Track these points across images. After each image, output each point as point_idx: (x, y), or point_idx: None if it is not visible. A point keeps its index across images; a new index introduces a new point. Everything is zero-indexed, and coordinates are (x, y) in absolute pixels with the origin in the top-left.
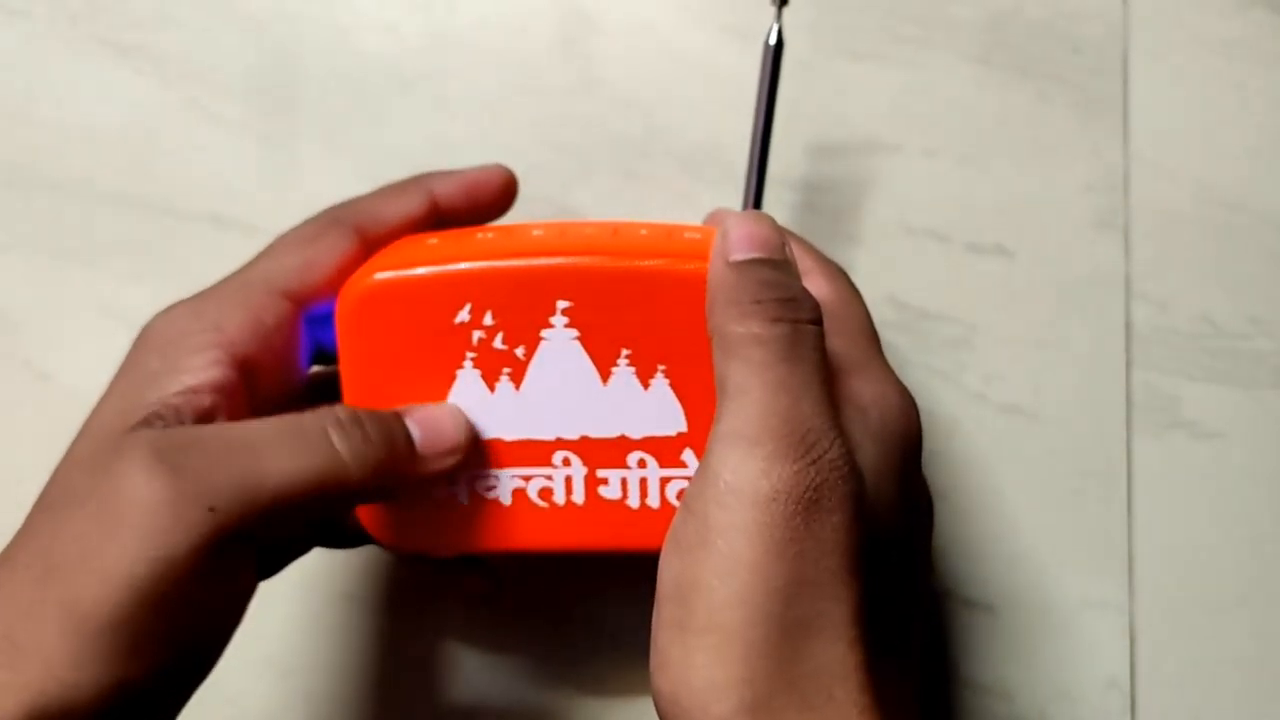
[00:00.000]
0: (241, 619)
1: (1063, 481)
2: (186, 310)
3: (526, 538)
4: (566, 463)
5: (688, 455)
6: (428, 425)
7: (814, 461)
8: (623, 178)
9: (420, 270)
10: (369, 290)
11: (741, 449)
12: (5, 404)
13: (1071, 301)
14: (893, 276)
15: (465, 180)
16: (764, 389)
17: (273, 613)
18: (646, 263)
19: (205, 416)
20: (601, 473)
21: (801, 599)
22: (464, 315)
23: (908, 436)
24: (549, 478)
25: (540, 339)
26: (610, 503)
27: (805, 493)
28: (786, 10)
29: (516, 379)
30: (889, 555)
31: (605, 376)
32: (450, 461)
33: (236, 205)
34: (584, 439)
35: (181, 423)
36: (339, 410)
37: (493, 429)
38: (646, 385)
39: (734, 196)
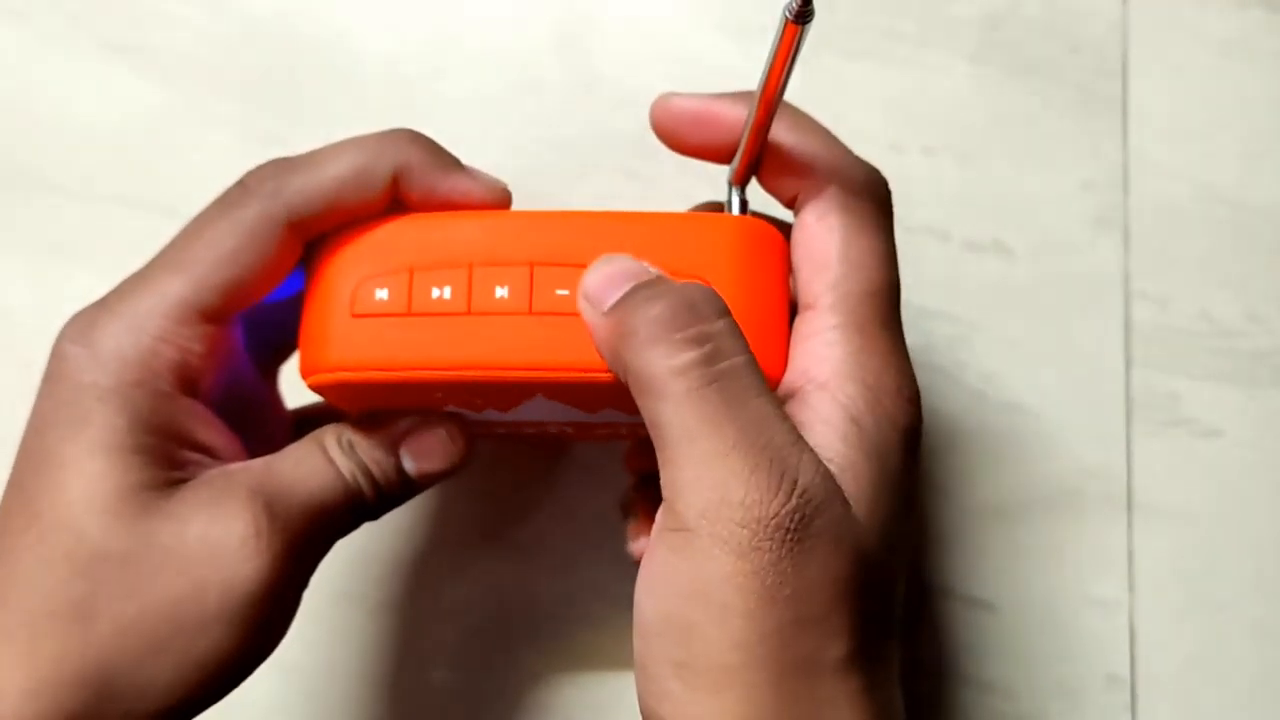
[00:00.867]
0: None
1: (1063, 480)
2: (94, 356)
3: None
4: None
5: None
6: (421, 453)
7: (787, 500)
8: (623, 177)
9: (380, 374)
10: (330, 382)
11: (709, 495)
12: (5, 404)
13: (1071, 300)
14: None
15: (452, 191)
16: (706, 424)
17: None
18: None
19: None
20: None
21: (800, 639)
22: (437, 393)
23: (906, 432)
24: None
25: (519, 405)
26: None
27: (788, 534)
28: None
29: (504, 410)
30: (881, 570)
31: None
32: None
33: None
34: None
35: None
36: (327, 438)
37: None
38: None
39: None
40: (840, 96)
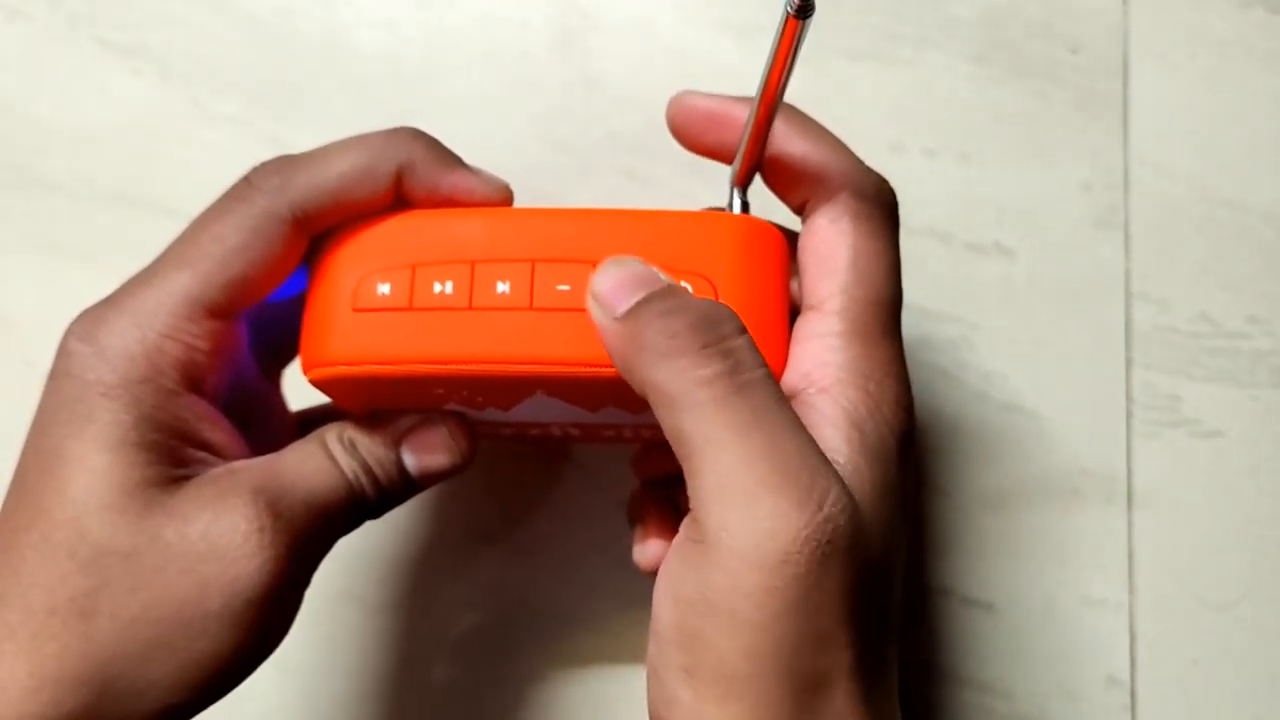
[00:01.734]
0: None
1: (1063, 480)
2: (104, 358)
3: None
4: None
5: None
6: (422, 451)
7: (819, 510)
8: (623, 177)
9: (381, 367)
10: (331, 376)
11: (737, 507)
12: (5, 404)
13: (1071, 300)
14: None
15: (454, 188)
16: (732, 432)
17: None
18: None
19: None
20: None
21: (811, 651)
22: (438, 389)
23: (902, 439)
24: None
25: (520, 403)
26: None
27: (818, 547)
28: None
29: (505, 408)
30: (883, 576)
31: (595, 410)
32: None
33: None
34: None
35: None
36: (329, 435)
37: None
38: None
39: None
40: (841, 97)
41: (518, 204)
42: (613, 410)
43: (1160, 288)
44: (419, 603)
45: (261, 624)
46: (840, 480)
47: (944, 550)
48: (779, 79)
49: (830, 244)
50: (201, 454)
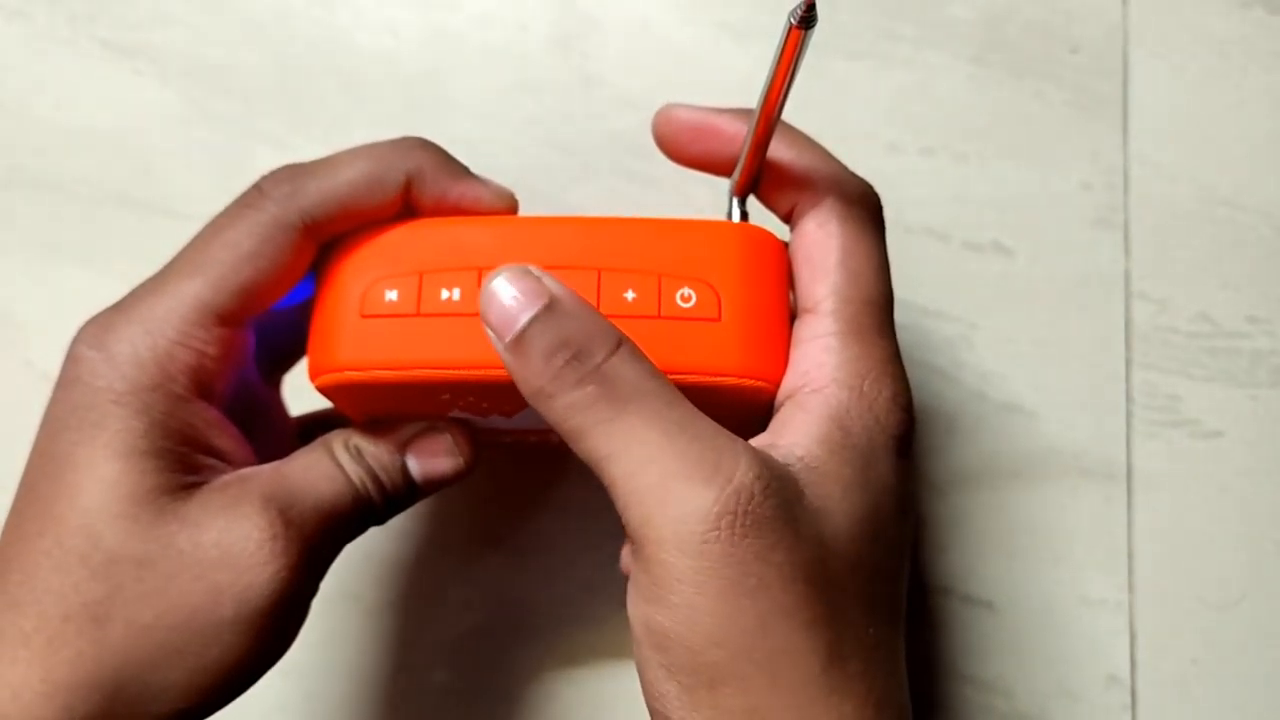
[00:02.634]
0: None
1: (1062, 480)
2: (113, 366)
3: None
4: None
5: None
6: (427, 457)
7: (728, 483)
8: (623, 177)
9: (388, 373)
10: (339, 382)
11: (651, 503)
12: (6, 404)
13: (1071, 300)
14: (891, 275)
15: (462, 197)
16: (629, 441)
17: None
18: None
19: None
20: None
21: (779, 629)
22: (443, 395)
23: (898, 438)
24: None
25: (525, 409)
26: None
27: (736, 520)
28: None
29: (509, 415)
30: (863, 566)
31: None
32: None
33: None
34: None
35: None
36: (335, 443)
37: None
38: None
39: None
40: (840, 97)
41: (521, 207)
42: None
43: (1160, 287)
44: (418, 603)
45: (272, 631)
46: (755, 458)
47: (943, 550)
48: (781, 88)
49: (820, 247)
50: (210, 461)
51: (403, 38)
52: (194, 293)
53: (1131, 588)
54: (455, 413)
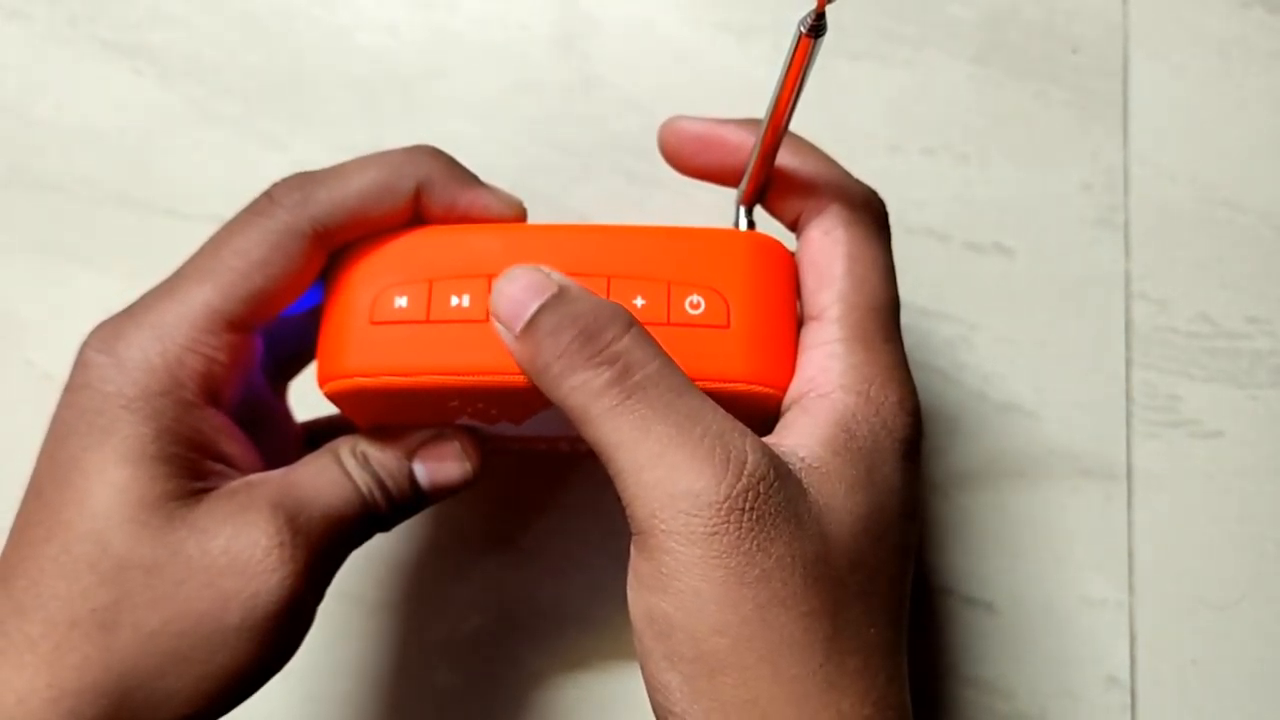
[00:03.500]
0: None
1: (1063, 480)
2: (123, 370)
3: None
4: None
5: None
6: (435, 464)
7: (738, 478)
8: (623, 178)
9: (397, 379)
10: (348, 388)
11: (660, 494)
12: (6, 404)
13: (1071, 300)
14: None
15: (471, 205)
16: (637, 431)
17: None
18: None
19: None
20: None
21: (781, 620)
22: (452, 402)
23: (904, 442)
24: None
25: (533, 416)
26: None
27: (744, 514)
28: None
29: (517, 422)
30: (866, 564)
31: None
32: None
33: (236, 205)
34: None
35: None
36: (342, 449)
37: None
38: None
39: (732, 196)
40: (840, 97)
41: (524, 209)
42: None
43: (1160, 288)
44: (421, 604)
45: (279, 637)
46: (765, 451)
47: (944, 550)
48: (790, 96)
49: (826, 254)
50: (219, 467)
51: (403, 38)
52: (204, 299)
53: (1131, 588)
54: (463, 420)
